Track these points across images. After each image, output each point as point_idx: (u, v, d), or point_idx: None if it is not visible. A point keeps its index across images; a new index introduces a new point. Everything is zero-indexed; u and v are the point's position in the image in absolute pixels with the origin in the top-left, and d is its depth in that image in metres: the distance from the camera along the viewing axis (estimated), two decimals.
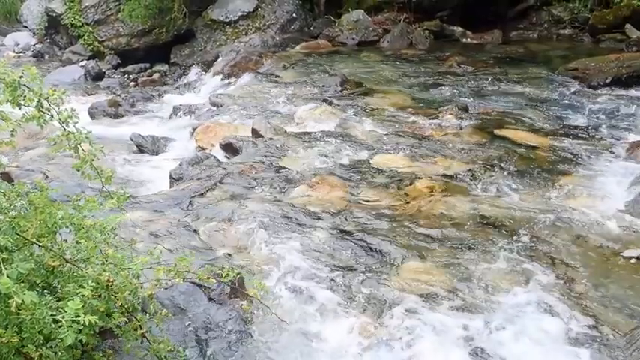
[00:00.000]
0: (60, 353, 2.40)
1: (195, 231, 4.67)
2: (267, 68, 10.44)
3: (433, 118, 7.24)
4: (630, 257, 4.24)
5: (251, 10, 13.82)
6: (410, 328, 3.58)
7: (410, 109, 7.70)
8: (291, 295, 3.87)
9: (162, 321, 2.88)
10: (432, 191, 5.31)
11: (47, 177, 6.10)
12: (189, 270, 2.85)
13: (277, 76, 9.84)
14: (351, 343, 3.54)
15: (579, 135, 6.63)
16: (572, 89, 8.56)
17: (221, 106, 8.68)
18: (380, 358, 3.43)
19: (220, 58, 12.02)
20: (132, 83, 12.92)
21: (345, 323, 3.67)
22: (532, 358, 3.39)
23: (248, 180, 5.58)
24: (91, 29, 14.38)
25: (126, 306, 2.68)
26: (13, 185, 2.88)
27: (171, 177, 6.06)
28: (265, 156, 6.13)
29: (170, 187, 5.89)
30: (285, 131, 6.97)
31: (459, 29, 12.71)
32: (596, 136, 6.60)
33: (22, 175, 6.04)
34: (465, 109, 7.50)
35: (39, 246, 2.52)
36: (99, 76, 13.21)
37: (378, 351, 3.47)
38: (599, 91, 8.37)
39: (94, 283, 2.38)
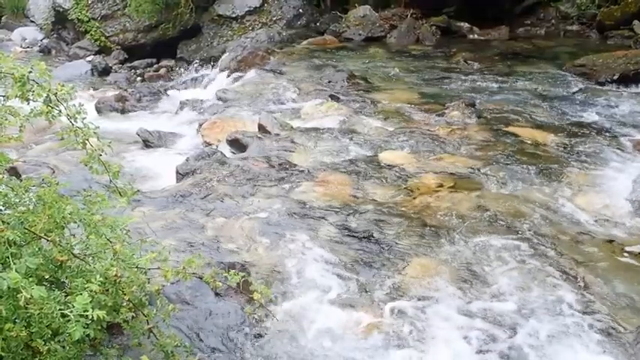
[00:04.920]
0: (68, 348, 2.41)
1: (201, 226, 4.68)
2: (273, 64, 10.44)
3: (440, 115, 7.23)
4: (636, 253, 4.24)
5: (258, 5, 13.85)
6: (416, 325, 3.58)
7: (416, 105, 7.70)
8: (297, 291, 3.87)
9: (169, 316, 2.89)
10: (439, 187, 5.30)
11: (54, 172, 6.11)
12: (196, 272, 2.86)
13: (284, 71, 9.85)
14: (356, 338, 3.53)
15: (586, 132, 6.61)
16: (580, 86, 8.56)
17: (227, 101, 8.70)
18: (385, 355, 3.42)
19: (227, 54, 12.05)
20: (138, 78, 12.97)
21: (351, 319, 3.67)
22: (538, 354, 3.39)
23: (254, 175, 5.59)
24: (97, 24, 14.44)
25: (133, 301, 2.68)
26: (21, 180, 2.89)
27: (177, 172, 6.06)
28: (272, 151, 6.13)
29: (177, 182, 5.90)
30: (292, 127, 6.97)
31: (465, 25, 12.71)
32: (604, 133, 6.57)
33: (30, 170, 6.06)
34: (472, 105, 7.48)
35: (47, 241, 2.53)
36: (106, 72, 13.25)
37: (383, 347, 3.47)
38: (606, 88, 8.37)
39: (101, 279, 2.39)
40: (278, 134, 6.68)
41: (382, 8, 13.37)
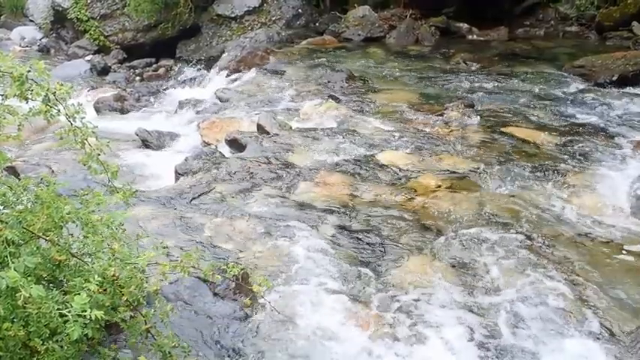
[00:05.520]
0: (66, 347, 2.41)
1: (200, 226, 4.67)
2: (272, 64, 10.44)
3: (439, 115, 7.23)
4: (635, 253, 4.24)
5: (257, 5, 13.85)
6: (414, 324, 3.59)
7: (415, 106, 7.69)
8: (296, 291, 3.87)
9: (167, 316, 2.88)
10: (437, 188, 5.30)
11: (53, 171, 6.10)
12: (194, 266, 2.85)
13: (283, 71, 9.84)
14: (354, 337, 3.53)
15: (585, 133, 6.61)
16: (579, 87, 8.55)
17: (227, 101, 8.69)
18: (384, 353, 3.43)
19: (226, 54, 12.04)
20: (137, 78, 12.95)
21: (349, 318, 3.67)
22: (535, 355, 3.39)
23: (253, 175, 5.58)
24: (96, 24, 14.42)
25: (131, 300, 2.68)
26: (19, 179, 2.88)
27: (176, 172, 6.06)
28: (271, 152, 6.13)
29: (175, 182, 5.90)
30: (291, 127, 6.97)
31: (465, 26, 12.71)
32: (602, 134, 6.57)
33: (28, 169, 6.05)
34: (471, 106, 7.49)
35: (45, 240, 2.53)
36: (105, 71, 13.23)
37: (381, 346, 3.47)
38: (605, 89, 8.35)
39: (100, 278, 2.38)
40: (277, 134, 6.68)
41: (381, 9, 13.36)
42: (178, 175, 6.02)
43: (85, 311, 2.16)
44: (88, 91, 11.06)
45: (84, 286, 2.28)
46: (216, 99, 8.99)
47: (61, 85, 2.62)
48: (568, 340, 3.46)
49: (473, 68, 9.93)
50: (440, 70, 9.82)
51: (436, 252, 4.30)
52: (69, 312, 2.16)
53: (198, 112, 8.62)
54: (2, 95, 2.60)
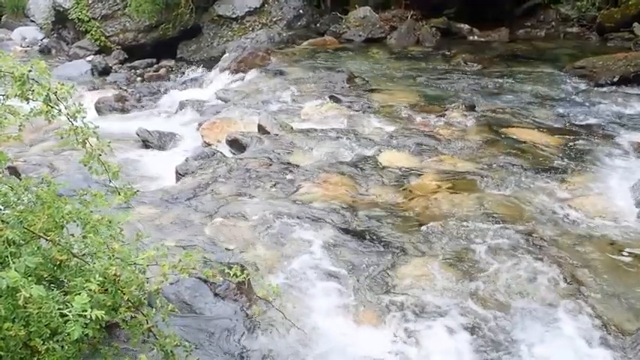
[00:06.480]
0: (66, 347, 2.40)
1: (201, 226, 4.67)
2: (273, 64, 10.44)
3: (440, 116, 7.23)
4: (637, 254, 4.24)
5: (258, 5, 13.86)
6: (414, 325, 3.59)
7: (416, 106, 7.69)
8: (296, 292, 3.87)
9: (168, 316, 2.88)
10: (438, 188, 5.30)
11: (54, 171, 6.11)
12: (194, 267, 2.84)
13: (283, 72, 9.84)
14: (355, 339, 3.54)
15: (586, 133, 6.61)
16: (580, 88, 8.56)
17: (227, 101, 8.70)
18: (385, 354, 3.43)
19: (227, 54, 12.04)
20: (138, 78, 12.95)
21: (349, 319, 3.68)
22: (536, 356, 3.39)
23: (254, 176, 5.59)
24: (98, 24, 14.43)
25: (132, 300, 2.68)
26: (20, 179, 2.88)
27: (177, 172, 6.07)
28: (271, 152, 6.13)
29: (176, 182, 5.90)
30: (292, 127, 6.97)
31: (465, 27, 12.72)
32: (604, 135, 6.58)
33: (29, 169, 6.07)
34: (472, 107, 7.49)
35: (46, 240, 2.52)
36: (106, 71, 13.23)
37: (382, 347, 3.47)
38: (606, 90, 8.36)
39: (101, 278, 2.38)
40: (278, 135, 6.68)
41: (382, 9, 13.38)
42: (179, 175, 6.03)
43: (86, 311, 2.16)
44: (90, 91, 11.07)
45: (85, 286, 2.28)
46: (217, 99, 9.01)
47: (62, 84, 2.62)
48: (568, 340, 3.46)
49: (474, 69, 9.93)
50: (440, 71, 9.82)
51: (436, 252, 4.29)
52: (69, 312, 2.16)
53: (198, 113, 8.63)
54: (3, 95, 2.60)
